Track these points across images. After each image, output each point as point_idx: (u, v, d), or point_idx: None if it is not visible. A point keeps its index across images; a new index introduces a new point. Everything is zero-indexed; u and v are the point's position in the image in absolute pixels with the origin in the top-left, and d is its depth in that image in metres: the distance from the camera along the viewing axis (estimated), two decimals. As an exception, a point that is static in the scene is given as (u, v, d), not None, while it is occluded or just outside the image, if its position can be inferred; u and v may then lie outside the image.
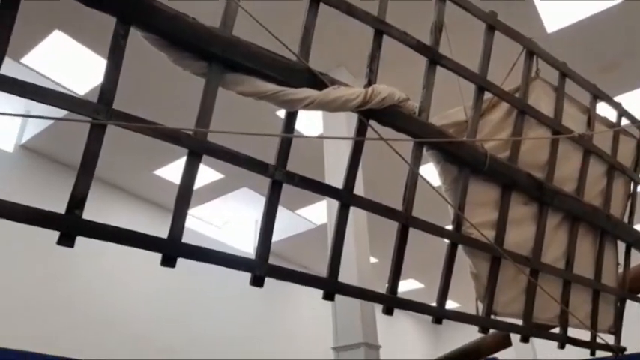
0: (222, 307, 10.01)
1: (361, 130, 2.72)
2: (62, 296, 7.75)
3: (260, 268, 2.41)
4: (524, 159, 3.46)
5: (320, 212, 9.93)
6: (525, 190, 3.45)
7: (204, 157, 2.26)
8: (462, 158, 3.14)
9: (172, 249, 2.12)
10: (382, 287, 2.92)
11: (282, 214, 9.18)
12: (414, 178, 2.97)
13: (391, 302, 2.84)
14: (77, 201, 1.99)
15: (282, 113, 2.67)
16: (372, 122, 2.66)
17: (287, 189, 2.50)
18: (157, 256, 2.11)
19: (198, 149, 2.25)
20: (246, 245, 10.58)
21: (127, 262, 8.25)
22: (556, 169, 3.62)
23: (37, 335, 6.85)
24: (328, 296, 2.66)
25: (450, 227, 3.13)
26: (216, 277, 9.13)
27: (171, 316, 9.05)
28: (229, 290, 9.62)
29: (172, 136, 2.20)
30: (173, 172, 8.71)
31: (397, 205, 2.92)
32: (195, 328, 9.33)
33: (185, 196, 2.22)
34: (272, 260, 2.43)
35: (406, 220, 2.91)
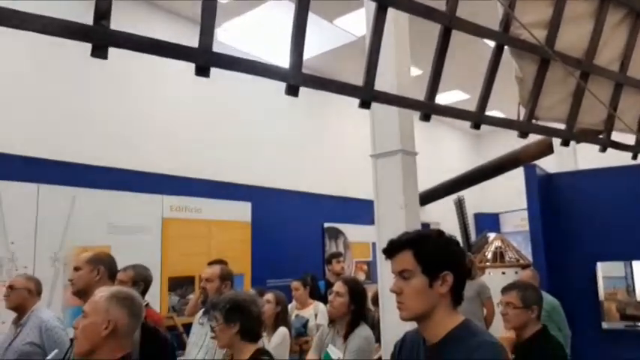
0: (266, 119, 10.30)
1: None
2: (115, 110, 8.11)
3: (295, 77, 2.38)
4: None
5: (360, 22, 9.39)
6: (587, -18, 3.08)
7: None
8: (518, -54, 2.75)
9: (203, 58, 2.08)
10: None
11: (319, 25, 8.82)
12: (460, -28, 2.67)
13: (428, 108, 2.81)
14: (103, 11, 1.93)
15: None
16: None
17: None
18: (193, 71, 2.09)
19: (218, -54, 2.04)
20: (282, 61, 10.41)
21: (172, 78, 8.42)
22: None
23: (96, 146, 7.44)
24: (364, 104, 2.65)
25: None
26: (263, 93, 9.27)
27: (212, 125, 9.29)
28: (274, 104, 9.79)
29: None
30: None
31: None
32: (237, 138, 9.70)
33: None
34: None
35: (449, 22, 2.70)
